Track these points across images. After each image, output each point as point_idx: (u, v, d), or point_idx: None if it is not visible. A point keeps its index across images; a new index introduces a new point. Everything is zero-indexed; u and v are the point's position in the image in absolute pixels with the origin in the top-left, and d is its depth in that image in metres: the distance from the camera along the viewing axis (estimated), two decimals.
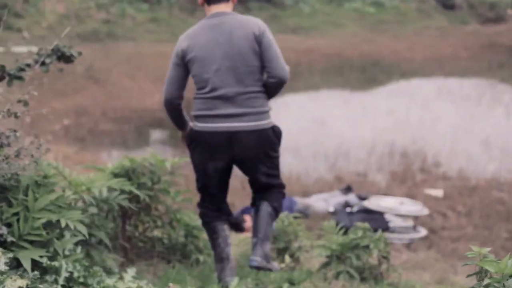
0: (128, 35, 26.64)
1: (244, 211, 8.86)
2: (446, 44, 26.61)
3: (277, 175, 4.65)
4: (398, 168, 11.33)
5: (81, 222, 3.18)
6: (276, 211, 4.52)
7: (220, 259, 4.28)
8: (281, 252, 5.01)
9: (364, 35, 29.00)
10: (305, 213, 8.97)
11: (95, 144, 12.98)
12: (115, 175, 4.39)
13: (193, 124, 4.50)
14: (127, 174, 4.41)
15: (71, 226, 3.06)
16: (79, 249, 3.20)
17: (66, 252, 3.11)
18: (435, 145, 12.80)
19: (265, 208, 4.45)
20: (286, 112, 16.31)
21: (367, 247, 4.33)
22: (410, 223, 8.57)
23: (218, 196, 4.52)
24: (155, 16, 28.06)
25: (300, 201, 9.09)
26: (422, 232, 8.27)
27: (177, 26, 27.75)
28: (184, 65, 4.45)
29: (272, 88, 4.46)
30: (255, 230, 4.37)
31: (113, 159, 11.89)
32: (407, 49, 25.99)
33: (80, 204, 3.54)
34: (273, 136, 4.45)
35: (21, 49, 23.19)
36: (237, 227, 8.34)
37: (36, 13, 26.21)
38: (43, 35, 25.14)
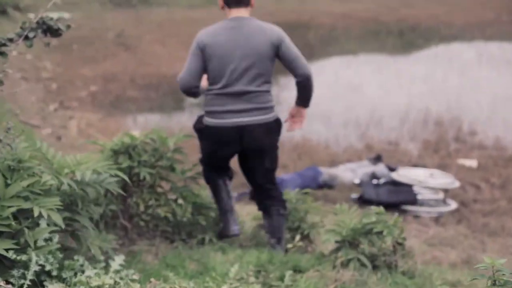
0: (161, 1, 26.34)
1: None
2: (488, 8, 25.88)
3: (274, 171, 4.98)
4: (431, 137, 10.90)
5: (59, 209, 2.89)
6: (284, 208, 4.78)
7: (224, 211, 4.70)
8: (293, 231, 4.70)
9: None
10: (330, 184, 8.66)
11: (121, 111, 12.74)
12: (115, 152, 4.14)
13: (204, 119, 4.72)
14: (127, 151, 4.14)
15: (44, 214, 2.75)
16: (56, 238, 2.87)
17: (40, 243, 2.80)
18: (471, 113, 12.34)
19: (275, 211, 4.74)
20: (320, 78, 15.89)
21: (380, 233, 3.93)
22: (440, 195, 8.18)
23: (223, 166, 4.92)
24: None
25: (326, 172, 8.74)
26: (452, 205, 7.87)
27: None
28: (202, 58, 4.67)
29: (302, 88, 4.91)
30: (272, 232, 4.70)
31: (138, 126, 11.68)
32: (447, 13, 25.33)
33: (66, 188, 3.20)
34: (275, 127, 4.86)
35: (52, 15, 23.06)
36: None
37: None
38: (76, 1, 24.98)
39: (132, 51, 17.70)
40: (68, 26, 3.72)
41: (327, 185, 8.63)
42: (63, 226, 2.87)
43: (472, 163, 9.56)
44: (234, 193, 8.47)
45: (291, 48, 4.84)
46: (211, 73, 4.68)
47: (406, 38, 21.89)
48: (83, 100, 13.02)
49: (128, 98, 13.58)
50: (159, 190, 4.34)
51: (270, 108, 4.85)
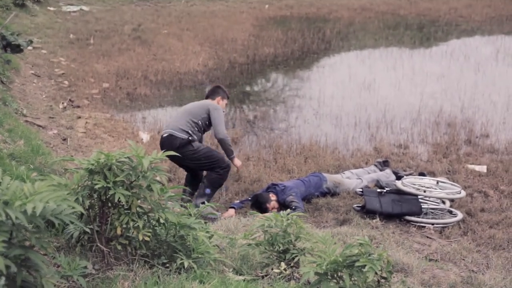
0: None
1: (269, 187, 8.54)
2: (508, 2, 25.53)
3: None
4: (442, 140, 10.72)
5: (10, 246, 2.77)
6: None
7: None
8: (280, 256, 4.57)
9: None
10: (334, 191, 8.53)
11: (130, 109, 12.68)
12: (90, 172, 4.00)
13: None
14: (103, 171, 4.01)
15: None
16: (2, 281, 2.74)
17: None
18: (485, 113, 12.15)
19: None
20: (333, 75, 15.82)
21: (363, 267, 3.76)
22: (445, 205, 8.02)
23: None
24: None
25: (330, 178, 8.60)
26: (458, 215, 7.67)
27: None
28: None
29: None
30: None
31: (147, 125, 11.62)
32: (466, 7, 25.07)
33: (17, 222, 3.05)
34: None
35: (72, 8, 23.08)
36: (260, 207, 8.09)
37: None
38: None
39: (147, 45, 17.63)
40: (30, 42, 3.60)
41: (331, 193, 8.51)
42: (5, 272, 2.74)
43: (481, 168, 9.38)
44: (236, 200, 8.44)
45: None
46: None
47: (424, 32, 21.62)
48: (93, 97, 12.96)
49: (139, 95, 13.51)
50: (138, 210, 4.21)
51: None
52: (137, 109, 12.78)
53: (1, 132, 8.32)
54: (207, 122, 8.32)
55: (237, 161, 8.54)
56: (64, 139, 9.89)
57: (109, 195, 4.00)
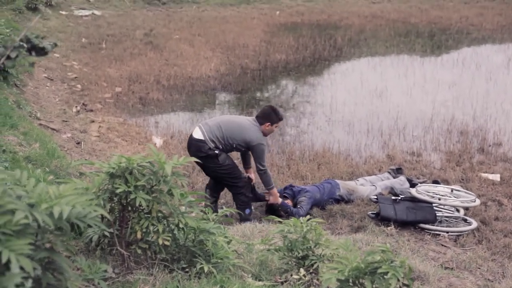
0: None
1: (287, 188, 8.57)
2: None
3: None
4: (455, 148, 10.71)
5: (36, 248, 2.76)
6: None
7: None
8: (299, 262, 4.57)
9: (433, 0, 28.03)
10: (348, 199, 8.52)
11: (143, 114, 12.71)
12: (111, 176, 4.01)
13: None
14: (124, 175, 4.02)
15: (13, 260, 2.59)
16: (29, 283, 2.73)
17: None
18: (497, 122, 12.13)
19: None
20: (345, 81, 15.83)
21: (385, 273, 3.74)
22: (460, 213, 8.01)
23: None
24: None
25: (344, 185, 8.60)
26: (473, 224, 7.66)
27: None
28: None
29: None
30: None
31: (159, 130, 11.64)
32: (477, 15, 25.04)
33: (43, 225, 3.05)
34: None
35: (84, 12, 23.15)
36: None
37: None
38: None
39: (159, 50, 17.68)
40: (55, 45, 3.57)
41: (345, 200, 8.50)
42: (32, 274, 2.72)
43: (495, 177, 9.37)
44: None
45: None
46: None
47: (435, 40, 21.61)
48: (106, 102, 13.00)
49: (151, 100, 13.54)
50: (159, 215, 4.22)
51: None
52: (149, 113, 12.81)
53: (16, 135, 8.35)
54: (241, 149, 8.09)
55: (275, 193, 8.27)
56: (78, 143, 9.92)
57: (129, 199, 4.01)
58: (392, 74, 16.46)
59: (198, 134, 7.88)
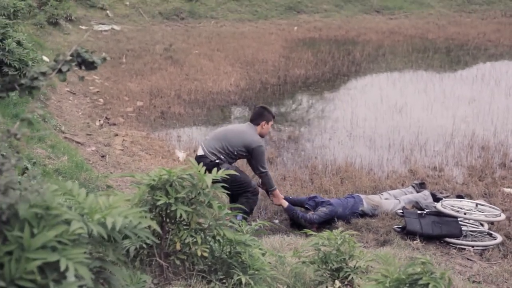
0: (210, 14, 26.48)
1: (310, 198, 8.65)
2: None
3: None
4: (476, 163, 10.75)
5: (89, 258, 2.82)
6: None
7: None
8: (333, 274, 4.64)
9: (450, 16, 28.11)
10: (373, 214, 8.57)
11: (165, 128, 12.82)
12: (152, 188, 4.10)
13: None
14: (164, 187, 4.11)
15: (71, 268, 2.66)
16: None
17: None
18: None
19: None
20: (365, 96, 15.89)
21: (426, 285, 3.79)
22: (484, 228, 8.06)
23: None
24: None
25: (368, 201, 8.63)
26: (498, 238, 7.71)
27: (260, 5, 27.52)
28: None
29: None
30: None
31: (182, 144, 11.74)
32: (495, 31, 25.07)
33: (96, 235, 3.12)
34: None
35: (104, 27, 23.34)
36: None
37: None
38: (126, 14, 25.28)
39: (179, 65, 17.80)
40: (104, 59, 3.65)
41: (369, 215, 8.55)
42: (90, 282, 2.79)
43: None
44: (275, 220, 8.53)
45: None
46: None
47: (452, 56, 21.67)
48: (129, 115, 13.13)
49: (173, 114, 13.66)
50: (196, 227, 4.30)
51: None
52: (171, 127, 12.92)
53: (44, 148, 8.49)
54: (243, 154, 8.23)
55: (277, 194, 8.50)
56: (103, 156, 10.03)
57: (169, 211, 4.10)
58: (411, 89, 16.52)
59: (199, 151, 8.24)
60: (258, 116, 8.40)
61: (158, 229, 3.45)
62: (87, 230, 2.92)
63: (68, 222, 2.84)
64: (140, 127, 12.48)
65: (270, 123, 8.47)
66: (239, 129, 8.45)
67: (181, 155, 10.76)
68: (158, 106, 14.08)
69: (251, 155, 8.18)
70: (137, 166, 9.83)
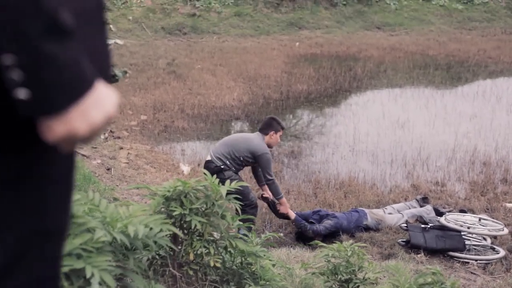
0: (212, 29, 26.65)
1: (315, 212, 8.74)
2: None
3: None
4: (478, 178, 10.86)
5: (111, 265, 2.93)
6: None
7: None
8: (343, 285, 4.73)
9: (451, 33, 28.28)
10: (376, 228, 8.67)
11: (169, 142, 12.94)
12: (167, 199, 4.20)
13: None
14: (179, 198, 4.21)
15: (96, 275, 2.76)
16: None
17: None
18: None
19: None
20: (367, 112, 16.00)
21: None
22: (487, 242, 8.16)
23: None
24: (240, 10, 27.98)
25: (372, 215, 8.74)
26: (501, 252, 7.81)
27: (262, 21, 27.69)
28: None
29: None
30: None
31: (186, 158, 11.84)
32: (495, 48, 25.19)
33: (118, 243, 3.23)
34: None
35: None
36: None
37: (123, 6, 26.50)
38: (129, 28, 25.47)
39: (182, 79, 17.91)
40: (125, 72, 3.74)
41: (373, 229, 8.65)
42: None
43: None
44: (280, 233, 8.62)
45: None
46: None
47: (453, 73, 21.81)
48: (133, 129, 13.24)
49: (177, 129, 13.77)
50: (209, 238, 4.39)
51: None
52: (175, 141, 13.03)
53: None
54: (249, 161, 8.33)
55: (284, 202, 8.58)
56: (108, 169, 10.14)
57: (183, 222, 4.19)
58: (413, 105, 16.63)
59: (208, 157, 8.46)
60: (267, 126, 8.51)
61: (180, 233, 3.55)
62: (110, 238, 3.03)
63: (92, 231, 2.95)
64: (144, 141, 12.60)
65: (279, 133, 8.55)
66: (247, 136, 8.64)
67: (185, 168, 10.86)
68: (162, 120, 14.19)
69: (258, 162, 8.30)
70: (142, 179, 9.93)
